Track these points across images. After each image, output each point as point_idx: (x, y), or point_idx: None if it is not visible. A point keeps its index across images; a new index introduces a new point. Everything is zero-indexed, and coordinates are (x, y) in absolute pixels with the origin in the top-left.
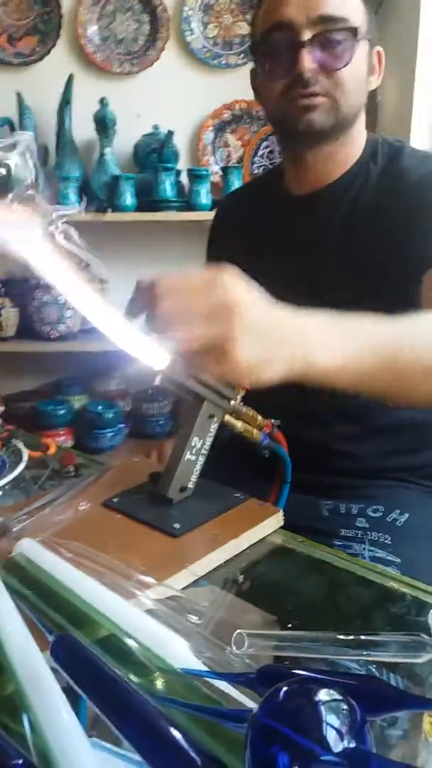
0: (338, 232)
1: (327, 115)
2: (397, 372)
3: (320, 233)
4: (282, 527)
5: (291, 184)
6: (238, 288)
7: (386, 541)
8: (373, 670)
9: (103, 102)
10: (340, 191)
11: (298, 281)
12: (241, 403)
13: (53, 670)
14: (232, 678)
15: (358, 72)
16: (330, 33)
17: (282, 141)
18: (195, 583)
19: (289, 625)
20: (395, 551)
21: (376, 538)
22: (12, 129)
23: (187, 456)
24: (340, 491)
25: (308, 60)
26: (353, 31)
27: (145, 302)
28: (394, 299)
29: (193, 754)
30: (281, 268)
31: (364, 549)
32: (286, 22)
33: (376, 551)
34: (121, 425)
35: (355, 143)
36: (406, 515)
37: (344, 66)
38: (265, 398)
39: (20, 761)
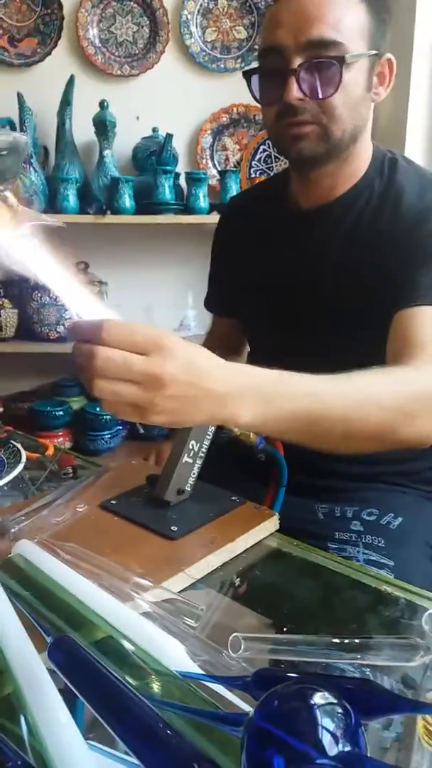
0: (340, 246)
1: (317, 142)
2: (315, 434)
3: (323, 246)
4: (278, 530)
5: (298, 195)
6: (172, 361)
7: (380, 544)
8: (368, 673)
9: (102, 104)
10: (347, 205)
11: (298, 292)
12: None
13: (50, 671)
14: (228, 681)
15: (351, 95)
16: (319, 59)
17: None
18: (192, 586)
19: (285, 629)
20: (388, 554)
21: (370, 541)
22: (13, 130)
23: (185, 459)
24: (335, 494)
25: (295, 89)
26: (343, 58)
27: (87, 336)
28: (383, 320)
29: (188, 757)
30: (282, 276)
31: (358, 552)
32: (277, 47)
33: (370, 554)
34: (119, 427)
35: (360, 157)
36: (400, 519)
37: (333, 93)
38: None
39: (18, 762)
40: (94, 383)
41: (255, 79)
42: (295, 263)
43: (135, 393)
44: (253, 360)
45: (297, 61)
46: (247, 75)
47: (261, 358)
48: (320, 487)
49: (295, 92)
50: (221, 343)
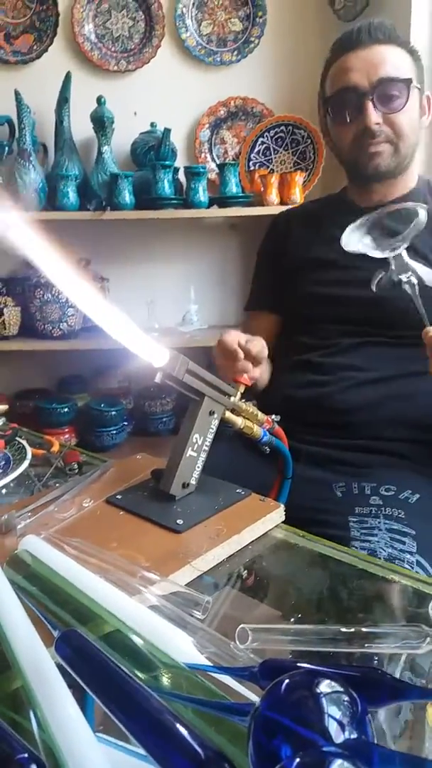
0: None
1: (390, 159)
2: None
3: None
4: (296, 511)
5: (355, 200)
6: None
7: (400, 515)
8: (376, 661)
9: (100, 100)
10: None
11: (351, 274)
12: (242, 400)
13: (58, 666)
14: (235, 672)
15: (412, 117)
16: (388, 89)
17: (351, 176)
18: (198, 579)
19: (292, 619)
20: (410, 524)
21: (391, 513)
22: (11, 127)
23: (189, 453)
24: (353, 468)
25: (373, 115)
26: (407, 83)
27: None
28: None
29: (196, 748)
30: (338, 261)
31: (379, 522)
32: (352, 86)
33: (392, 524)
34: (124, 423)
35: (412, 173)
36: (418, 495)
37: (402, 111)
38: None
39: (25, 755)
40: None
41: (333, 109)
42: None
43: None
44: (293, 347)
45: (371, 94)
46: (326, 103)
47: (300, 343)
48: (335, 459)
49: (374, 117)
50: (267, 336)
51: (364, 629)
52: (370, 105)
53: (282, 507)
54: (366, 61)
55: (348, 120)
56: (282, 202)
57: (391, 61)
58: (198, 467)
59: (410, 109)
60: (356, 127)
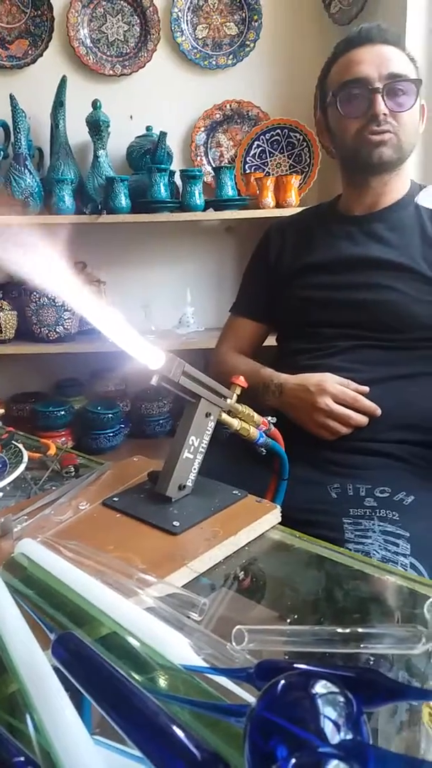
0: (384, 245)
1: (393, 149)
2: None
3: (369, 245)
4: (291, 513)
5: (349, 206)
6: None
7: (395, 517)
8: (371, 662)
9: (95, 104)
10: (391, 212)
11: (344, 278)
12: (237, 402)
13: (55, 668)
14: (231, 673)
15: (414, 117)
16: (397, 84)
17: (350, 170)
18: (195, 580)
19: (288, 620)
20: (404, 526)
21: (385, 515)
22: (6, 132)
23: (185, 454)
24: (348, 470)
25: (381, 105)
26: (417, 84)
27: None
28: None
29: (193, 750)
30: (330, 266)
31: (373, 524)
32: (363, 78)
33: (386, 526)
34: (121, 425)
35: (405, 177)
36: (412, 497)
37: (408, 110)
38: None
39: (22, 759)
40: None
41: (341, 99)
42: (343, 256)
43: None
44: (290, 347)
45: (380, 86)
46: (326, 97)
47: (298, 345)
48: (330, 461)
49: (382, 107)
50: (250, 342)
51: (359, 630)
52: (379, 96)
53: (278, 508)
54: (377, 55)
55: (356, 110)
56: (278, 205)
57: (400, 61)
58: (194, 469)
59: (414, 112)
60: (363, 117)
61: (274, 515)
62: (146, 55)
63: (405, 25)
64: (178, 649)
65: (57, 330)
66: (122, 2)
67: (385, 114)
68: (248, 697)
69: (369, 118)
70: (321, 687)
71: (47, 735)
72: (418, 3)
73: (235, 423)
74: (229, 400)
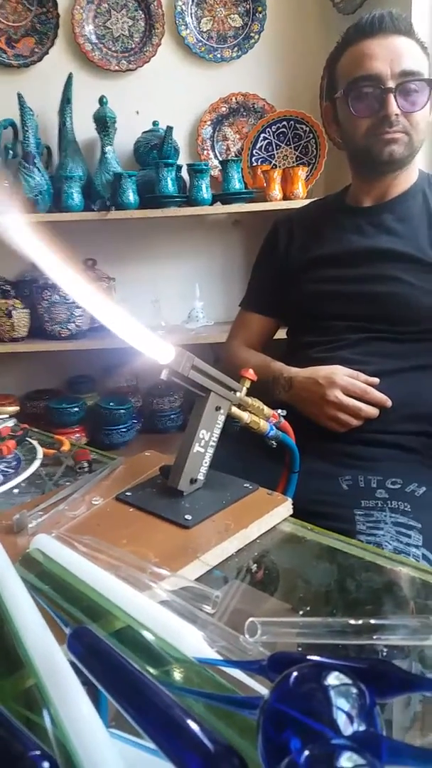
0: (393, 236)
1: (404, 148)
2: None
3: (378, 237)
4: (302, 504)
5: (357, 198)
6: None
7: (406, 509)
8: (385, 653)
9: (102, 101)
10: (400, 203)
11: (353, 271)
12: (247, 395)
13: (71, 663)
14: (245, 665)
15: (426, 114)
16: (410, 83)
17: (359, 165)
18: (208, 573)
19: (301, 612)
20: (416, 517)
21: (397, 506)
22: (15, 130)
23: (196, 448)
24: (359, 462)
25: (394, 106)
26: (429, 84)
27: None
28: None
29: (206, 743)
30: (339, 259)
31: (385, 516)
32: (374, 74)
33: (398, 517)
34: (133, 421)
35: (414, 167)
36: (424, 488)
37: (420, 109)
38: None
39: (38, 752)
40: None
41: (352, 98)
42: (352, 246)
43: None
44: (301, 338)
45: (392, 84)
46: (334, 91)
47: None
48: (341, 452)
49: (394, 107)
50: (260, 336)
51: (372, 621)
52: (391, 97)
53: (289, 501)
54: (389, 50)
55: (367, 109)
56: (285, 198)
57: (413, 55)
58: (205, 463)
59: (426, 109)
60: (375, 116)
61: (286, 508)
62: (151, 50)
63: (410, 12)
64: (192, 641)
65: (69, 327)
66: None
67: (397, 114)
68: (261, 689)
69: (381, 118)
70: (334, 678)
71: (64, 728)
72: None
73: (245, 416)
74: (238, 394)
